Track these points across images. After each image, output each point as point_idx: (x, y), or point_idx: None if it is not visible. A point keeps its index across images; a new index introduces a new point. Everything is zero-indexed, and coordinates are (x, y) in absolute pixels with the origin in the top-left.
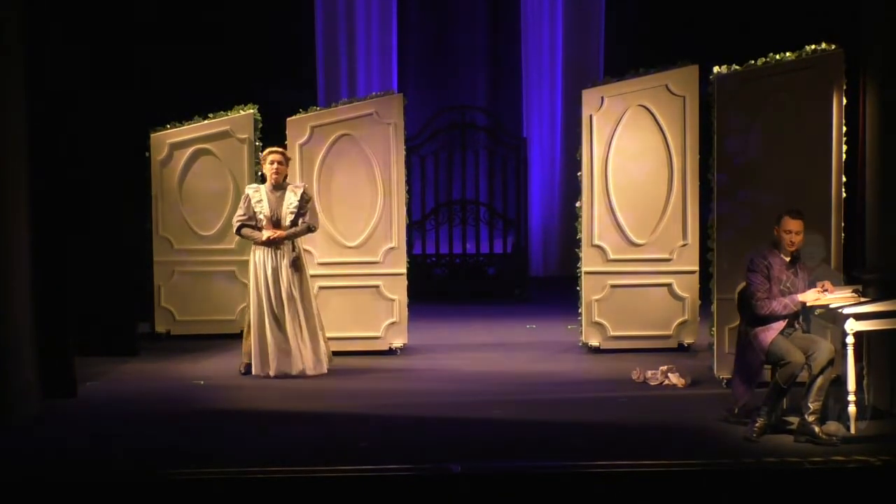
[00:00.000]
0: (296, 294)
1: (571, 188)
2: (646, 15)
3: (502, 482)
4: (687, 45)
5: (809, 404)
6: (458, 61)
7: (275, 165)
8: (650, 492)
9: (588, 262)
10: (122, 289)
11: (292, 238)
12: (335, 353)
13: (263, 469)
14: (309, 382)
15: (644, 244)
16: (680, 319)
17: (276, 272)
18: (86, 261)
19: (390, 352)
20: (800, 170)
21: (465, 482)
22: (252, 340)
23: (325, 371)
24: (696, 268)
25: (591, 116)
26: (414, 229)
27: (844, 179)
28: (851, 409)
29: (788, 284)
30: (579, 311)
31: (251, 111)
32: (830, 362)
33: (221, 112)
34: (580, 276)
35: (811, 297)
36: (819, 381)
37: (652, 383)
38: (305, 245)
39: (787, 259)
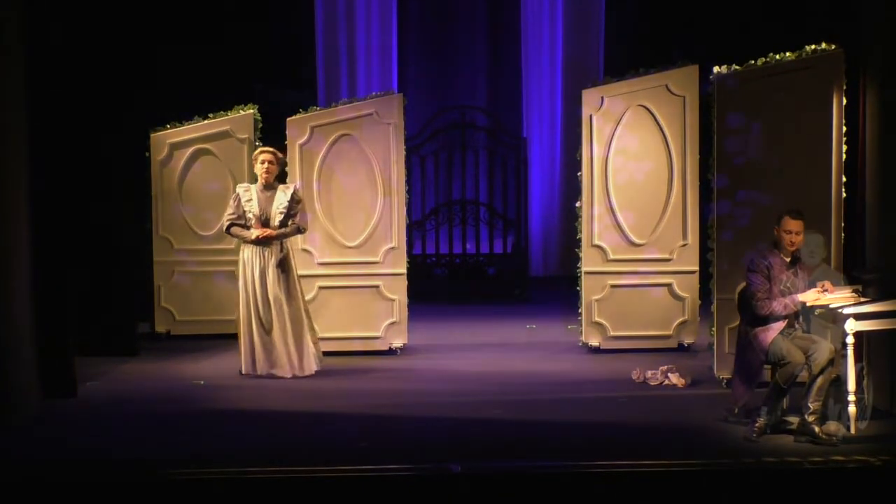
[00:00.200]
0: (282, 295)
1: (571, 188)
2: (646, 15)
3: (502, 482)
4: (687, 45)
5: (809, 404)
6: (458, 61)
7: (266, 165)
8: (650, 492)
9: (588, 262)
10: (122, 289)
11: (281, 238)
12: (336, 354)
13: (263, 469)
14: (309, 382)
15: (644, 244)
16: (680, 319)
17: (263, 272)
18: (86, 261)
19: (390, 352)
20: (800, 170)
21: (465, 482)
22: (241, 340)
23: (313, 372)
24: (696, 268)
25: (591, 116)
26: (414, 229)
27: (844, 179)
28: (851, 409)
29: (788, 284)
30: (579, 311)
31: (251, 111)
32: (830, 362)
33: (221, 112)
34: (580, 276)
35: (811, 297)
36: (819, 381)
37: (652, 383)
38: (306, 245)
39: (788, 259)
